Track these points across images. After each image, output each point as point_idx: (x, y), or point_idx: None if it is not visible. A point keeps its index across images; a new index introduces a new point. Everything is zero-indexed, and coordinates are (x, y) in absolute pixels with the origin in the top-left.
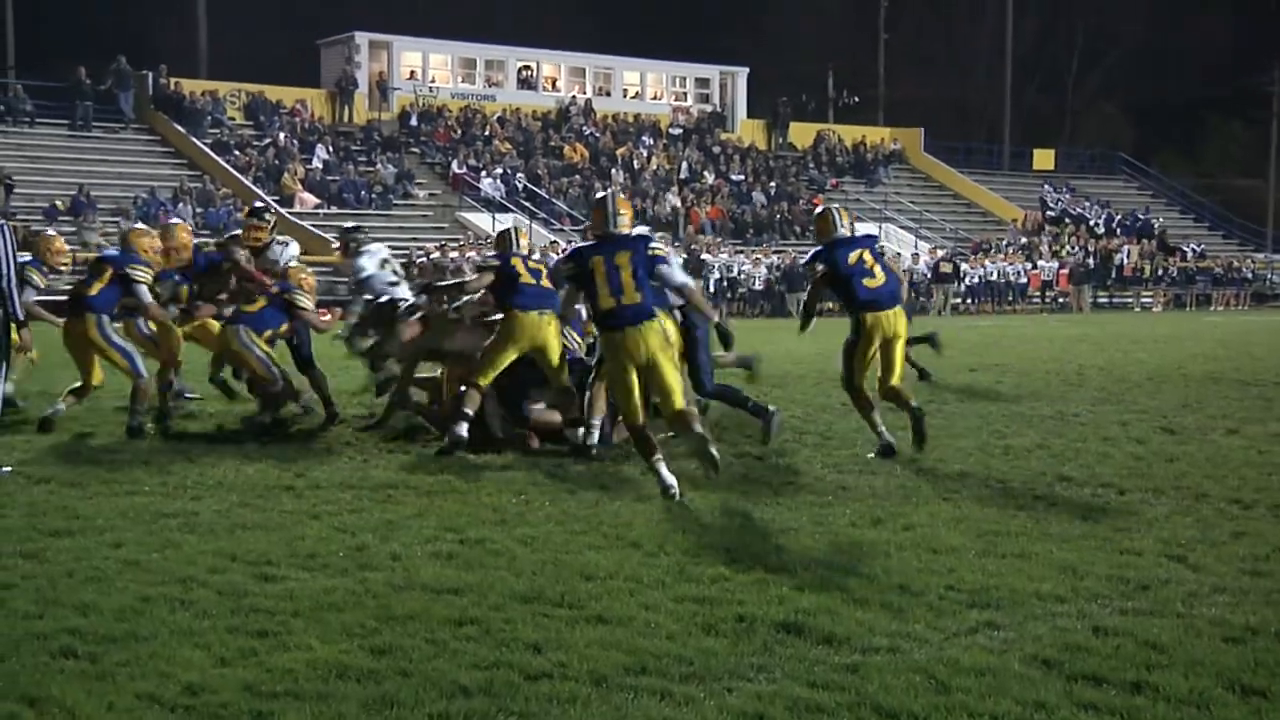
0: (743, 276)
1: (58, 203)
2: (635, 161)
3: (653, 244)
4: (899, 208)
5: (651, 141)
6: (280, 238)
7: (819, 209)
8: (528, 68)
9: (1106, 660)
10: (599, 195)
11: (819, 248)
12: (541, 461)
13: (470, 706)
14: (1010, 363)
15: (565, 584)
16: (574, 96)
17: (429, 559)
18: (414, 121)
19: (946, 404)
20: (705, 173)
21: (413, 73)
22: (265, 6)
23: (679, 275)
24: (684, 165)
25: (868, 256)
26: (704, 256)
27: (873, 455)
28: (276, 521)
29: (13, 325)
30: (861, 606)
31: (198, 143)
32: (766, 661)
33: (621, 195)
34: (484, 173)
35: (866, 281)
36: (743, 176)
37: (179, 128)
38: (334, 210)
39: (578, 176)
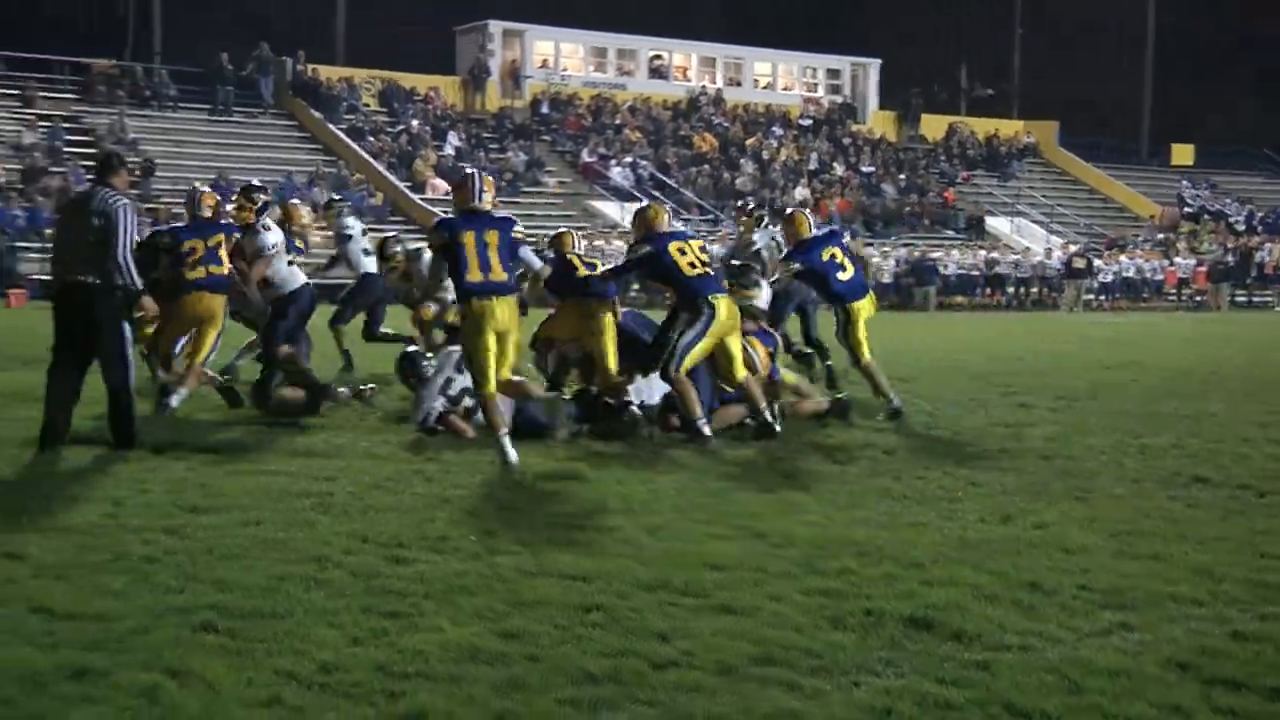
0: (871, 269)
1: (197, 184)
2: (765, 152)
3: (516, 228)
4: (1031, 202)
5: (781, 132)
6: (264, 222)
7: (788, 211)
8: (659, 57)
9: (1246, 665)
10: (465, 172)
11: (793, 249)
12: (668, 450)
13: (598, 693)
14: (1144, 361)
15: (692, 573)
16: (704, 86)
17: (557, 545)
18: (545, 109)
19: (1078, 401)
20: (835, 164)
21: (545, 61)
22: None
23: (536, 261)
24: (814, 157)
25: (838, 253)
26: None
27: (880, 417)
28: (408, 504)
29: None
30: (991, 603)
31: (333, 128)
32: (895, 656)
33: (488, 176)
34: (613, 161)
35: (840, 275)
36: (873, 169)
37: (315, 113)
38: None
39: (707, 166)
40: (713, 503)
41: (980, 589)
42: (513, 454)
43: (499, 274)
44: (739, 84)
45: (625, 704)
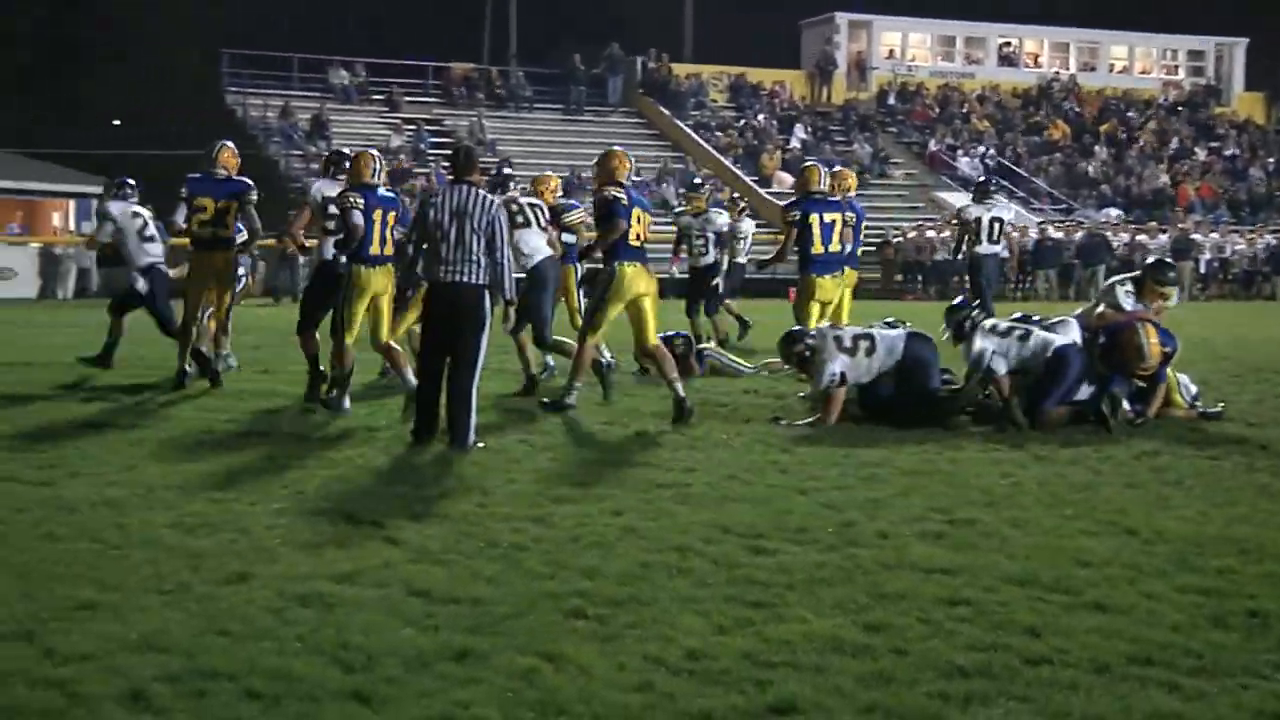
0: (1235, 257)
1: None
2: (1121, 137)
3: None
4: None
5: (1138, 117)
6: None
7: (805, 163)
8: (1009, 44)
9: None
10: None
11: (798, 199)
12: (1027, 444)
13: (969, 687)
14: None
15: (1060, 569)
16: (1057, 72)
17: (917, 538)
18: (891, 100)
19: None
20: (1196, 149)
21: (891, 51)
22: None
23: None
24: (1174, 141)
25: (840, 224)
26: (1194, 236)
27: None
28: (764, 495)
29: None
30: None
31: (681, 124)
32: None
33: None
34: (961, 151)
35: (830, 247)
36: (1237, 152)
37: (664, 110)
38: None
39: (1058, 155)
40: (1079, 496)
41: None
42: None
43: (389, 247)
44: (1093, 69)
45: (997, 699)
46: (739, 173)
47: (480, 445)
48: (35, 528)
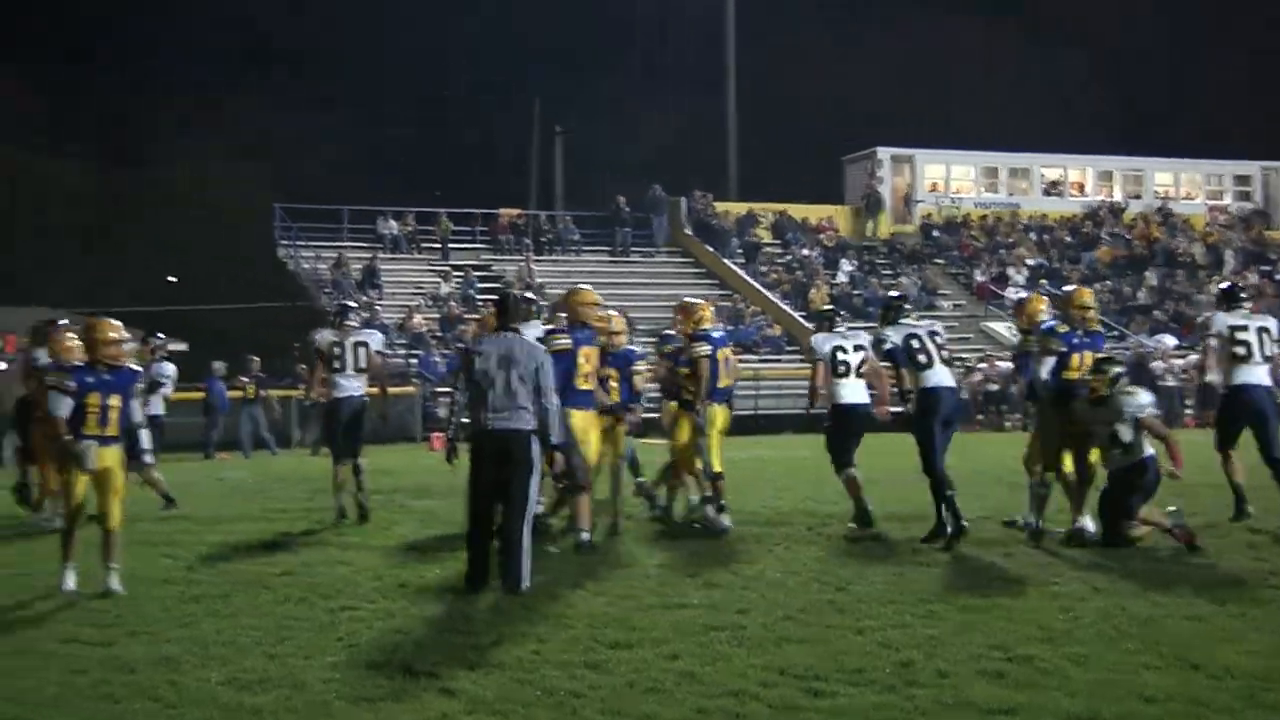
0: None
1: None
2: (1169, 263)
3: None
4: None
5: (1186, 242)
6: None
7: (695, 300)
8: (1053, 173)
9: None
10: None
11: (709, 333)
12: (1086, 575)
13: None
14: None
15: (1123, 706)
16: (1102, 200)
17: (977, 676)
18: (936, 233)
19: None
20: (1247, 273)
21: (935, 185)
22: (791, 128)
23: None
24: (1224, 266)
25: (729, 355)
26: None
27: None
28: (821, 635)
29: None
30: None
31: (727, 262)
32: None
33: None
34: (1009, 282)
35: (719, 383)
36: None
37: (709, 248)
38: (859, 324)
39: (1107, 282)
40: (1140, 630)
41: None
42: None
43: None
44: (1138, 196)
45: None
46: (786, 308)
47: (533, 590)
48: (94, 689)
